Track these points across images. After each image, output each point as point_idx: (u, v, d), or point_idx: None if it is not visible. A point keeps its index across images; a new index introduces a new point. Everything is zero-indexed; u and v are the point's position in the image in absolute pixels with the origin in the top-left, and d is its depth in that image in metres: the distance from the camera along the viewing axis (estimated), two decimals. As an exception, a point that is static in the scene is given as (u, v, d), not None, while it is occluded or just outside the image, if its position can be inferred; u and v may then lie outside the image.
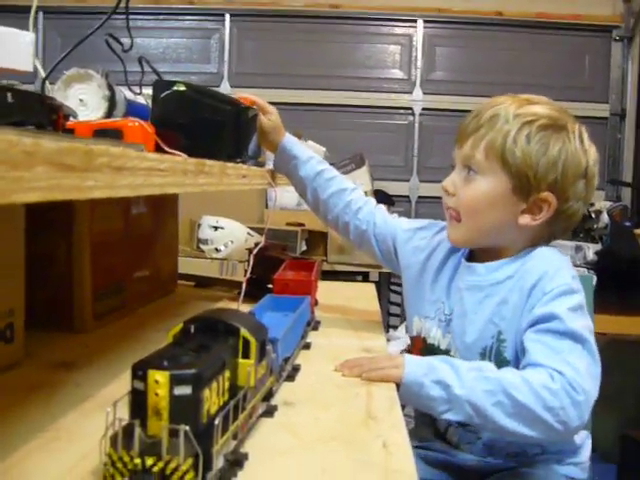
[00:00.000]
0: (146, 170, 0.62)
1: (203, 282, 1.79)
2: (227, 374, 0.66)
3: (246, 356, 0.72)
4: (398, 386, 0.97)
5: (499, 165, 1.04)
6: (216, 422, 0.59)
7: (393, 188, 3.49)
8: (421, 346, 1.19)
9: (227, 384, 0.66)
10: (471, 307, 1.09)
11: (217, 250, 2.74)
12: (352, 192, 1.33)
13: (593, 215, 2.42)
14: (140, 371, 0.57)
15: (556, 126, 1.05)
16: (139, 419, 0.56)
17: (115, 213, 1.28)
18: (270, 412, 0.83)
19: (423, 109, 3.86)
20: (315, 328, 1.28)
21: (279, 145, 1.31)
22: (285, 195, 2.82)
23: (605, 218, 2.45)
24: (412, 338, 1.24)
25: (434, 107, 3.84)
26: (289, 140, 1.32)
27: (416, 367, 0.97)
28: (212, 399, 0.61)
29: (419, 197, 3.87)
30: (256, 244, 1.38)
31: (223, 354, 0.67)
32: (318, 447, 0.75)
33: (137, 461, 0.54)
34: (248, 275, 1.29)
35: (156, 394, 0.56)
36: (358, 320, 1.42)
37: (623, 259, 2.16)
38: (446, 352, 1.12)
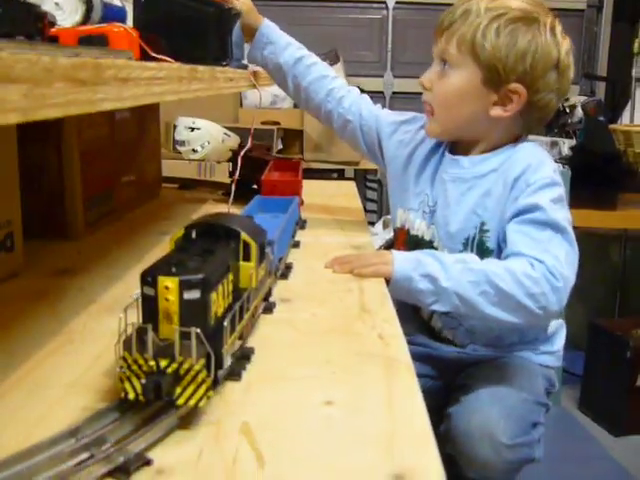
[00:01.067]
0: (147, 80, 0.63)
1: (187, 184, 1.80)
2: (230, 277, 0.69)
3: (247, 259, 0.75)
4: (387, 281, 1.02)
5: (470, 58, 1.07)
6: (225, 324, 0.63)
7: (367, 84, 3.43)
8: (405, 237, 1.22)
9: (231, 287, 0.69)
10: (455, 198, 1.13)
11: (194, 151, 2.73)
12: (334, 80, 1.32)
13: (567, 110, 2.43)
14: (149, 277, 0.59)
15: (527, 19, 1.06)
16: (151, 323, 0.58)
17: (101, 120, 1.27)
18: (269, 309, 0.87)
19: (397, 2, 3.77)
20: (302, 227, 1.32)
21: (257, 30, 1.28)
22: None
23: (579, 113, 2.46)
24: (395, 230, 1.27)
25: (408, 0, 3.75)
26: (267, 25, 1.29)
27: (405, 262, 1.01)
28: (219, 302, 0.64)
29: (393, 93, 3.82)
30: (241, 145, 1.38)
31: (226, 258, 0.69)
32: (319, 339, 0.79)
33: (152, 363, 0.57)
34: (236, 176, 1.31)
35: (166, 299, 0.58)
36: (342, 218, 1.45)
37: (597, 154, 2.18)
38: (429, 242, 1.16)
